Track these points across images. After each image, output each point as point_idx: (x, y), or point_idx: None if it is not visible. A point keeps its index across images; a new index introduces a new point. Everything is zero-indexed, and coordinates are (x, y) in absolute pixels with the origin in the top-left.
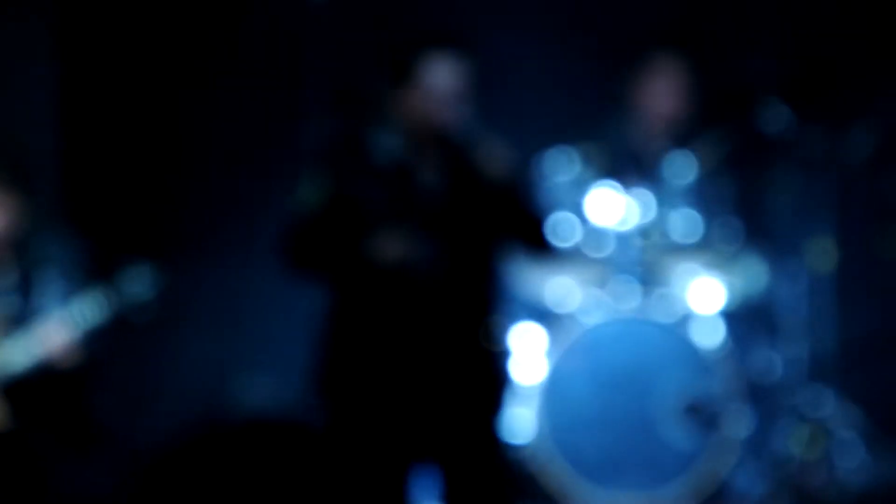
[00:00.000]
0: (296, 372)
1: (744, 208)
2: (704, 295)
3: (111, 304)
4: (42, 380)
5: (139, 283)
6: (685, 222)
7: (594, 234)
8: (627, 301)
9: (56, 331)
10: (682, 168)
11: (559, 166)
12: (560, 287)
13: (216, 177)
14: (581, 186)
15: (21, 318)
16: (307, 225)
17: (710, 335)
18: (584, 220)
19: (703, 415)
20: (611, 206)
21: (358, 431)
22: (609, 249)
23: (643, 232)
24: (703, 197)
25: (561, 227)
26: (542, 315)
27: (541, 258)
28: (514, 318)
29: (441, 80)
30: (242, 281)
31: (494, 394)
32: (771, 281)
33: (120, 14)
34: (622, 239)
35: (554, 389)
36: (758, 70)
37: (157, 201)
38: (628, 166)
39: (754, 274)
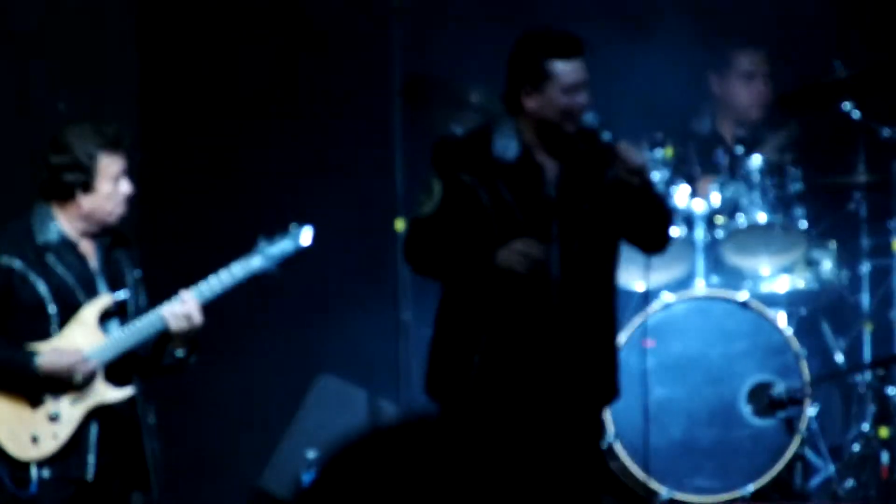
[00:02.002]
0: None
1: (817, 199)
2: (776, 284)
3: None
4: (159, 344)
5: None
6: (762, 210)
7: (673, 219)
8: (703, 285)
9: (182, 298)
10: (760, 159)
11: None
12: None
13: (306, 172)
14: (663, 175)
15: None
16: (430, 230)
17: (783, 319)
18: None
19: (773, 398)
20: (690, 194)
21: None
22: (686, 233)
23: (721, 218)
24: (778, 187)
25: None
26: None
27: (657, 253)
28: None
29: (573, 78)
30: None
31: (611, 393)
32: (843, 270)
33: (201, 15)
34: (700, 224)
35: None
36: (832, 64)
37: (244, 198)
38: (709, 157)
39: (826, 263)
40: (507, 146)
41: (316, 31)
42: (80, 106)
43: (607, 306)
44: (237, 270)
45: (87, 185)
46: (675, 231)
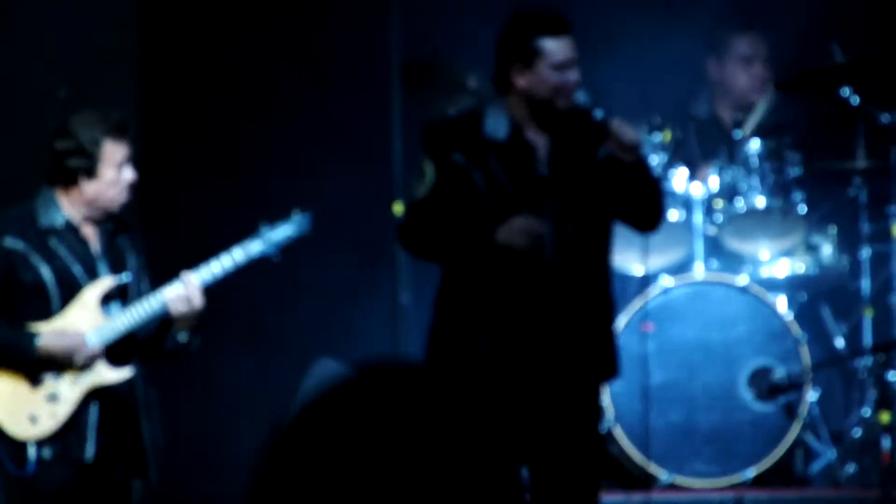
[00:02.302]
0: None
1: (818, 182)
2: (776, 268)
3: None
4: (161, 328)
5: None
6: (761, 195)
7: (672, 203)
8: (702, 269)
9: (183, 283)
10: (760, 143)
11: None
12: (632, 254)
13: (305, 156)
14: (661, 159)
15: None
16: (425, 213)
17: (783, 304)
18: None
19: (774, 383)
20: (689, 178)
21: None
22: (681, 220)
23: (720, 203)
24: (778, 171)
25: None
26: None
27: (650, 231)
28: None
29: (563, 55)
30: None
31: (610, 371)
32: (843, 254)
33: (200, 9)
34: (699, 208)
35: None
36: (831, 49)
37: (244, 183)
38: (708, 141)
39: (826, 247)
40: (497, 126)
41: (314, 15)
42: (80, 92)
43: (602, 285)
44: (238, 255)
45: (91, 171)
46: (674, 215)
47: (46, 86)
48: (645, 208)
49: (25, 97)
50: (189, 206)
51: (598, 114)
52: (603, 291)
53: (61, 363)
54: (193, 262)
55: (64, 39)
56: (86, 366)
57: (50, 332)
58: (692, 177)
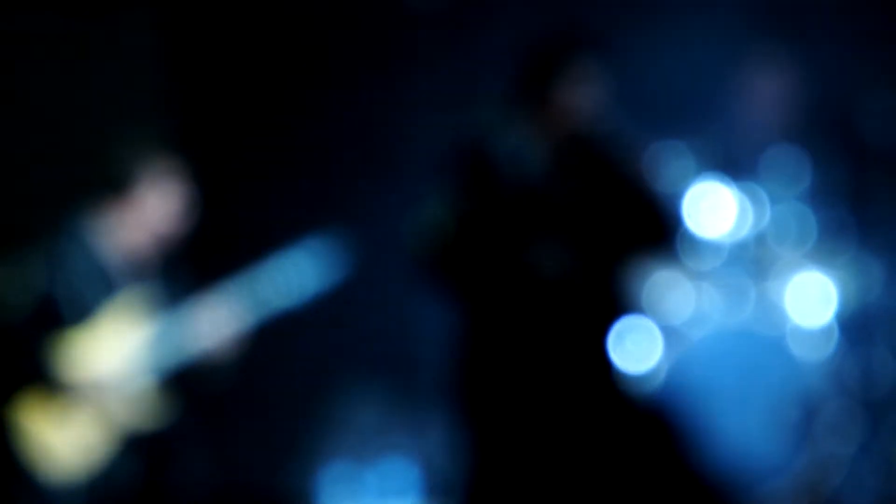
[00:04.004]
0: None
1: (859, 207)
2: (816, 298)
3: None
4: (200, 371)
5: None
6: (795, 221)
7: (703, 227)
8: (736, 309)
9: (222, 319)
10: (793, 164)
11: (668, 161)
12: (669, 295)
13: (326, 180)
14: (689, 180)
15: (164, 305)
16: (450, 240)
17: (819, 345)
18: (690, 214)
19: (809, 429)
20: (718, 202)
21: (498, 437)
22: (717, 248)
23: (753, 231)
24: (814, 195)
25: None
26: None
27: (664, 262)
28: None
29: (583, 76)
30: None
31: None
32: (888, 283)
33: (226, 22)
34: (731, 238)
35: (663, 402)
36: (868, 65)
37: (265, 205)
38: (736, 163)
39: (868, 276)
40: (518, 145)
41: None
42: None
43: (615, 309)
44: (274, 298)
45: (132, 197)
46: (708, 260)
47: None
48: (652, 235)
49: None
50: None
51: (616, 134)
52: (610, 312)
53: (91, 412)
54: (223, 276)
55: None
56: (118, 413)
57: (83, 387)
58: (719, 198)
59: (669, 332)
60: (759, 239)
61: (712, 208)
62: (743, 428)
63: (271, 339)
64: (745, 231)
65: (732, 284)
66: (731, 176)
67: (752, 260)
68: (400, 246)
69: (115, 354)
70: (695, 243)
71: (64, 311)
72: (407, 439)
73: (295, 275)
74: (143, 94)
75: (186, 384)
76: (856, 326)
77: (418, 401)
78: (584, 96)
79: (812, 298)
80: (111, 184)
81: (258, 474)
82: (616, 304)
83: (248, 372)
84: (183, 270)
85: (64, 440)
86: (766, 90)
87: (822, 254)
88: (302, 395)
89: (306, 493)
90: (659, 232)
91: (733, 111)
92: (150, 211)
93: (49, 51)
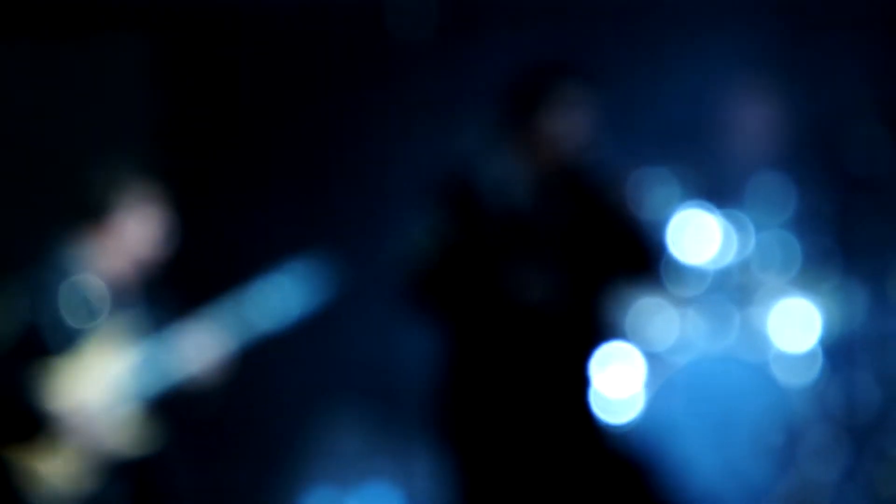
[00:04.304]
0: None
1: (843, 235)
2: (800, 324)
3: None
4: (186, 397)
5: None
6: (779, 248)
7: (688, 253)
8: (720, 335)
9: (207, 343)
10: (778, 192)
11: (653, 187)
12: (653, 321)
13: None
14: (673, 207)
15: (148, 331)
16: (434, 267)
17: (803, 371)
18: (675, 240)
19: (792, 454)
20: (703, 229)
21: (482, 462)
22: (701, 275)
23: (737, 258)
24: (799, 223)
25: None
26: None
27: (648, 290)
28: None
29: (570, 105)
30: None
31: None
32: (871, 310)
33: (207, 47)
34: (715, 264)
35: (646, 429)
36: (855, 96)
37: (248, 228)
38: (721, 190)
39: (852, 302)
40: (503, 172)
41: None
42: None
43: (597, 336)
44: (259, 321)
45: (112, 221)
46: (692, 287)
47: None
48: (636, 265)
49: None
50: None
51: (601, 164)
52: (592, 340)
53: (78, 439)
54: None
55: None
56: (104, 440)
57: (69, 416)
58: (704, 224)
59: (653, 359)
60: (743, 266)
61: (696, 235)
62: (726, 453)
63: (255, 364)
64: (730, 258)
65: (716, 311)
66: (716, 203)
67: (735, 286)
68: (383, 271)
69: (101, 382)
70: (679, 270)
71: (48, 339)
72: (390, 464)
73: (279, 298)
74: (123, 120)
75: (172, 410)
76: (839, 352)
77: (401, 426)
78: (570, 124)
79: (796, 325)
80: (90, 210)
81: (242, 500)
82: (599, 331)
83: (232, 397)
84: (166, 296)
85: (51, 469)
86: (752, 118)
87: (806, 280)
88: (285, 420)
89: None
90: (642, 260)
91: (719, 138)
92: (130, 237)
93: (27, 77)
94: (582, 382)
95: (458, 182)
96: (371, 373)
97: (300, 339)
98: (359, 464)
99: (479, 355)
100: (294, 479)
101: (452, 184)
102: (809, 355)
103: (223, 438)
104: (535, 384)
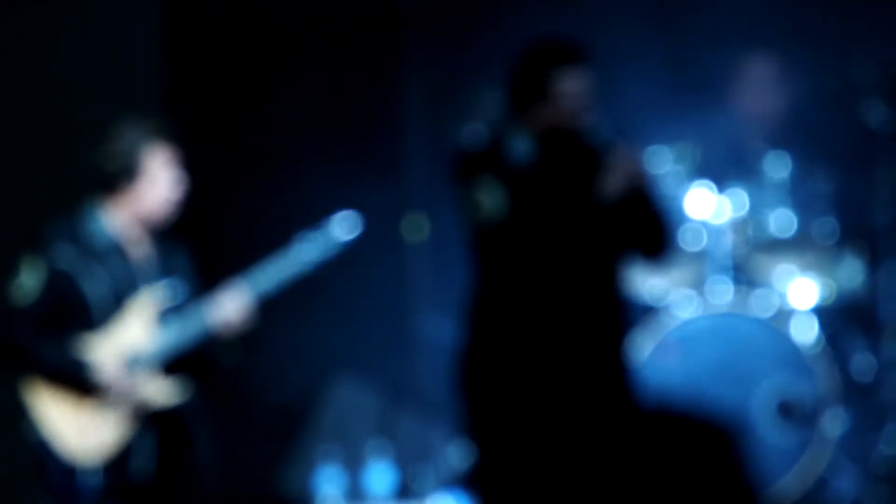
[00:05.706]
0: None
1: (842, 206)
2: (800, 292)
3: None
4: (207, 350)
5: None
6: (781, 219)
7: (690, 230)
8: (722, 297)
9: (232, 297)
10: (779, 166)
11: (658, 163)
12: (655, 282)
13: (314, 177)
14: (678, 183)
15: (172, 286)
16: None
17: (805, 332)
18: (681, 216)
19: (798, 413)
20: (707, 203)
21: (500, 429)
22: (704, 245)
23: (738, 228)
24: (799, 194)
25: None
26: (637, 310)
27: (660, 262)
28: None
29: (578, 83)
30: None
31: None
32: (869, 278)
33: (223, 16)
34: (717, 235)
35: (647, 385)
36: (859, 69)
37: (258, 200)
38: (725, 164)
39: (851, 271)
40: (520, 149)
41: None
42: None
43: (615, 306)
44: (287, 265)
45: (133, 176)
46: (698, 240)
47: (76, 102)
48: (651, 237)
49: (54, 113)
50: (219, 217)
51: (611, 140)
52: (611, 315)
53: (111, 394)
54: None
55: (86, 49)
56: (134, 393)
57: (103, 363)
58: (708, 199)
59: (654, 316)
60: (744, 242)
61: (698, 212)
62: (734, 412)
63: (267, 340)
64: (730, 234)
65: (717, 288)
66: (718, 180)
67: (734, 249)
68: (397, 246)
69: (131, 333)
70: (680, 246)
71: (83, 290)
72: (403, 442)
73: (300, 260)
74: (137, 82)
75: (198, 362)
76: (836, 325)
77: (416, 403)
78: (576, 97)
79: (795, 299)
80: (109, 175)
81: (254, 475)
82: (618, 299)
83: (244, 372)
84: (187, 256)
85: (82, 419)
86: (754, 95)
87: (806, 256)
88: (298, 397)
89: (303, 495)
90: (654, 230)
91: (722, 116)
92: (150, 199)
93: (46, 41)
94: (607, 352)
95: (483, 156)
96: (385, 350)
97: (314, 314)
98: (372, 441)
99: (509, 316)
100: (307, 455)
101: (476, 156)
102: (812, 315)
103: (236, 415)
104: (558, 351)
